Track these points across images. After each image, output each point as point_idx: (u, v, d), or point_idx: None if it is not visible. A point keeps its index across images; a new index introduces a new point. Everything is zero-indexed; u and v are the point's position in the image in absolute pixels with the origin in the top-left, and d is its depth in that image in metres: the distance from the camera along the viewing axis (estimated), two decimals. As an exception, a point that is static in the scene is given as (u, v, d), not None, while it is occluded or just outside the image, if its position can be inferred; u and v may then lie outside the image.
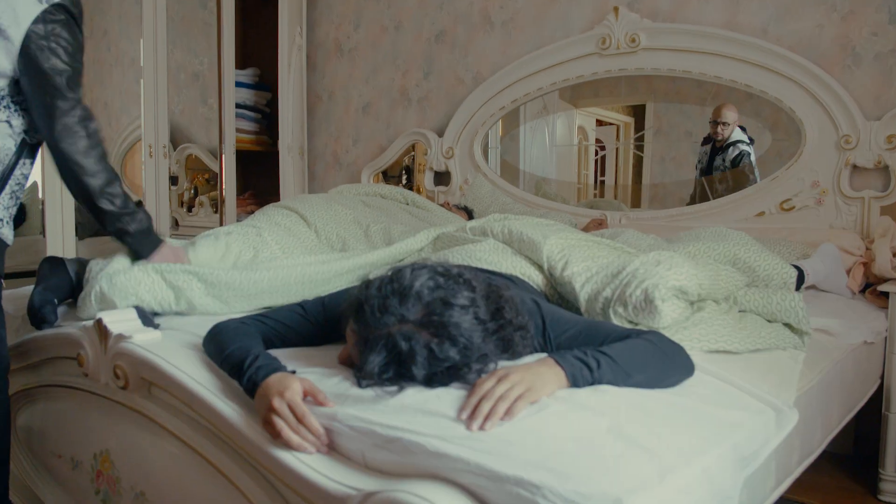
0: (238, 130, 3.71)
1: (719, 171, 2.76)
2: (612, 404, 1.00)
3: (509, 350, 1.07)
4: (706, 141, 2.79)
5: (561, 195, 3.18)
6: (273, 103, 3.84)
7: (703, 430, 1.02)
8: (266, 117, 4.02)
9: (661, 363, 1.11)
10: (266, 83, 3.96)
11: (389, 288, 1.02)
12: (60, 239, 2.80)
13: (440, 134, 3.34)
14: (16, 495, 1.70)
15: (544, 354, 1.11)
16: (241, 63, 3.82)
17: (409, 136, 3.41)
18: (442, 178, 3.38)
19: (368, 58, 3.70)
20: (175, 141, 3.58)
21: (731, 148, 2.73)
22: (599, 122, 3.13)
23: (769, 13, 2.55)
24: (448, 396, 0.99)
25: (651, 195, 2.93)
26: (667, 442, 0.94)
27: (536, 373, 1.00)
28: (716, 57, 2.57)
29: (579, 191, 3.17)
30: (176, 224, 3.69)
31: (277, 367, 1.04)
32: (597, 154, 3.15)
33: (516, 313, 1.09)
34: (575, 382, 1.02)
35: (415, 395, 1.00)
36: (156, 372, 1.19)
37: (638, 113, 2.99)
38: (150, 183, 3.27)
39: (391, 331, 0.99)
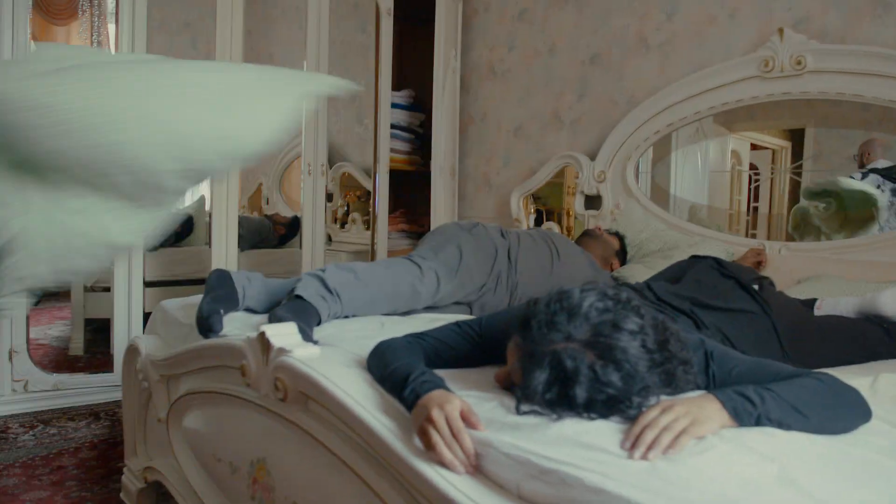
0: (392, 150, 3.99)
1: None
2: (782, 449, 0.99)
3: (671, 384, 1.08)
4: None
5: (714, 221, 3.25)
6: (426, 124, 4.16)
7: (884, 485, 0.98)
8: (419, 138, 4.29)
9: (834, 404, 1.10)
10: (420, 104, 4.27)
11: (557, 306, 1.06)
12: (224, 250, 3.18)
13: (592, 157, 3.51)
14: (180, 494, 1.87)
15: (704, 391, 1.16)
16: (396, 85, 4.11)
17: (561, 158, 3.59)
18: (593, 201, 3.55)
19: (521, 80, 3.92)
20: (331, 159, 3.89)
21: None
22: (754, 146, 3.19)
23: (949, 32, 2.74)
24: (609, 430, 1.01)
25: (806, 224, 2.94)
26: (843, 496, 0.91)
27: (700, 406, 1.02)
28: (890, 79, 2.59)
29: (731, 217, 3.27)
30: (329, 239, 3.94)
31: (441, 384, 1.12)
32: (751, 180, 3.20)
33: (681, 347, 1.11)
34: (738, 417, 1.03)
35: (574, 426, 1.02)
36: (313, 386, 1.25)
37: (796, 137, 3.03)
38: (308, 199, 3.56)
39: (557, 348, 1.02)
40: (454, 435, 1.00)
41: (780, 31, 2.85)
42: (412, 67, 4.29)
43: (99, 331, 3.33)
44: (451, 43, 3.90)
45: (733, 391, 1.06)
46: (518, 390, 1.06)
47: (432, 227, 3.81)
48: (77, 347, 3.34)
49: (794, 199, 3.01)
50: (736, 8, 3.08)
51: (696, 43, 3.24)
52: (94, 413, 2.99)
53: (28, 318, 2.93)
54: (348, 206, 4.08)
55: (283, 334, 1.40)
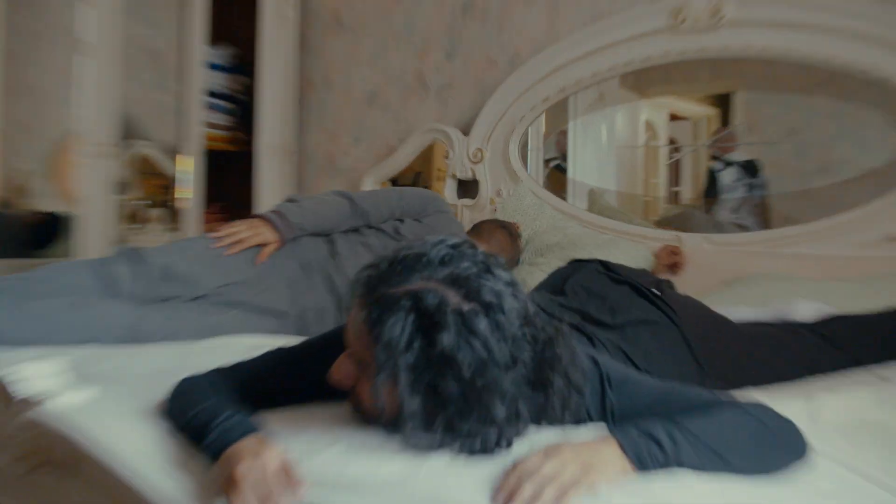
0: (207, 125, 3.70)
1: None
2: (699, 500, 0.95)
3: (546, 411, 1.05)
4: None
5: (624, 210, 3.09)
6: (252, 91, 3.81)
7: None
8: (244, 108, 4.00)
9: (763, 441, 1.06)
10: (245, 66, 3.96)
11: (409, 252, 1.04)
12: None
13: (466, 132, 3.29)
14: None
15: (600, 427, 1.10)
16: (213, 39, 3.78)
17: (426, 133, 3.39)
18: (468, 188, 3.33)
19: (376, 34, 3.69)
20: (123, 136, 3.49)
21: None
22: (674, 116, 3.06)
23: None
24: (472, 477, 0.95)
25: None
26: None
27: (594, 450, 0.98)
28: (828, 33, 2.45)
29: (647, 205, 3.12)
30: (122, 243, 3.51)
31: (254, 429, 1.02)
32: (670, 157, 3.08)
33: (570, 358, 1.07)
34: (641, 463, 0.98)
35: (434, 481, 0.95)
36: (74, 451, 1.11)
37: (725, 103, 2.90)
38: (91, 191, 3.21)
39: (413, 288, 0.99)
40: (264, 500, 0.90)
41: (693, -23, 2.75)
42: (234, 18, 3.95)
43: None
44: (283, -14, 3.78)
45: (637, 430, 1.01)
46: (370, 364, 0.98)
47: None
48: None
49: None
50: (640, -51, 2.96)
51: (593, -10, 3.17)
52: None
53: None
54: (147, 199, 3.72)
55: (35, 377, 1.25)
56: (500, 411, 0.97)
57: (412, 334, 0.96)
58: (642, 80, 3.03)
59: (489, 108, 3.22)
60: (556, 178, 3.27)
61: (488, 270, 1.01)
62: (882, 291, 2.15)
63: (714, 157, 2.91)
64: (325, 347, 1.19)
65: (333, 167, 3.91)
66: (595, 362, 1.15)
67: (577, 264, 2.03)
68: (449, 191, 3.34)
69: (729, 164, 2.89)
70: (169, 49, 3.61)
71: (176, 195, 3.62)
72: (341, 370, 1.07)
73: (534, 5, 3.22)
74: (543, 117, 3.23)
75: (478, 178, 3.27)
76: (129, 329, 1.87)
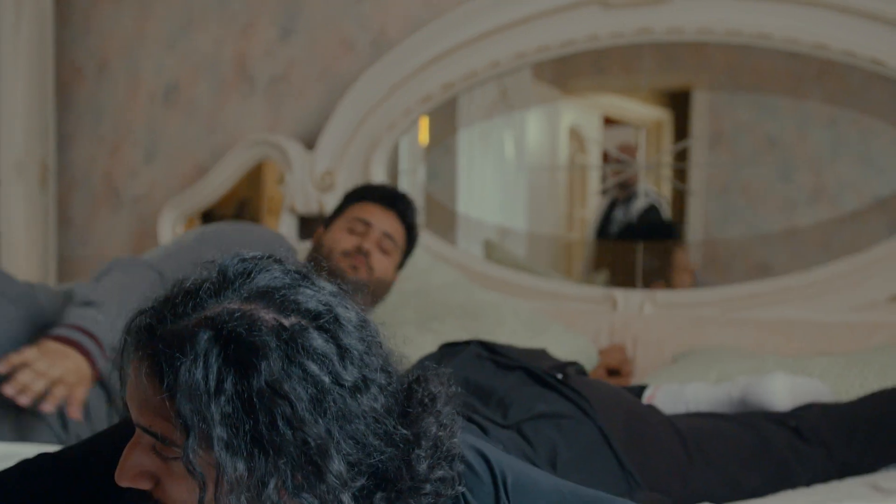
0: None
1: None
2: None
3: (408, 449, 0.98)
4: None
5: (536, 260, 3.01)
6: None
7: None
8: None
9: None
10: None
11: (191, 280, 0.98)
12: None
13: (309, 145, 3.01)
14: None
15: None
16: None
17: (252, 147, 3.10)
18: (313, 226, 2.89)
19: (176, 3, 3.42)
20: None
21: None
22: (609, 121, 2.94)
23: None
24: None
25: (705, 261, 2.82)
26: None
27: None
28: (817, 9, 2.36)
29: (569, 250, 3.03)
30: None
31: None
32: (604, 180, 2.96)
33: (443, 415, 1.04)
34: None
35: None
36: None
37: (681, 105, 2.79)
38: None
39: (211, 313, 0.92)
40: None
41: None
42: None
43: None
44: (30, -74, 3.30)
45: None
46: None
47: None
48: None
49: (678, 211, 2.77)
50: None
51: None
52: None
53: None
54: None
55: None
56: (358, 452, 0.94)
57: (220, 371, 0.88)
58: (565, 71, 2.93)
59: (344, 110, 2.93)
60: (440, 212, 3.08)
61: (306, 278, 0.99)
62: (887, 367, 2.15)
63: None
64: (111, 443, 1.13)
65: (115, 195, 3.54)
66: (484, 457, 1.12)
67: (449, 349, 1.99)
68: (286, 229, 3.00)
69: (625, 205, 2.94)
70: None
71: None
72: (132, 464, 0.96)
73: (406, -36, 3.00)
74: (422, 125, 3.03)
75: (327, 213, 2.81)
76: None
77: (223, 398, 0.88)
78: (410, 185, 3.04)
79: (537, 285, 2.75)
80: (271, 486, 0.91)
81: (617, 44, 2.64)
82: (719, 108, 2.81)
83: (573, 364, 2.01)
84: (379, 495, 0.98)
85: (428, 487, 0.99)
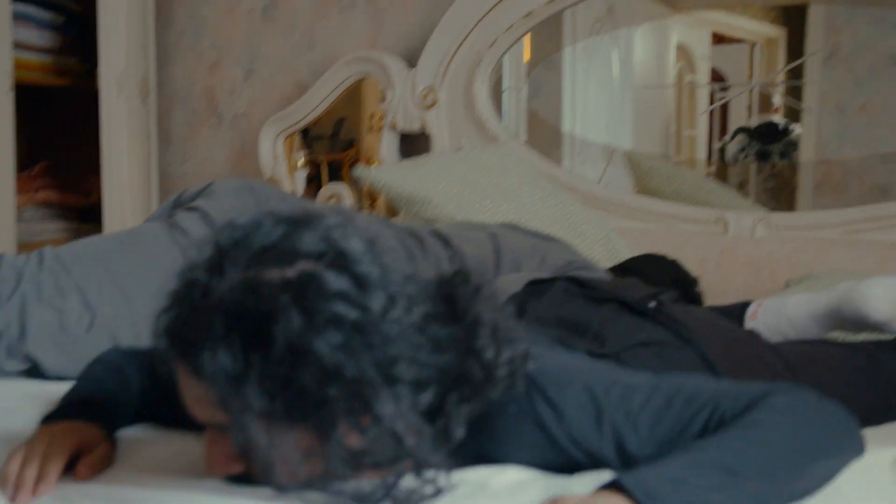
0: (18, 47, 3.41)
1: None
2: None
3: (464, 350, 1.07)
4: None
5: (647, 180, 3.00)
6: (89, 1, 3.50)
7: None
8: (74, 23, 3.75)
9: (808, 450, 1.13)
10: None
11: (187, 277, 1.07)
12: None
13: (412, 62, 3.06)
14: None
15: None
16: None
17: (352, 64, 3.15)
18: (415, 143, 3.13)
19: None
20: None
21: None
22: (719, 38, 2.95)
23: None
24: None
25: (818, 181, 2.82)
26: None
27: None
28: None
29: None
30: None
31: (92, 416, 1.22)
32: (712, 100, 2.94)
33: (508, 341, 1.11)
34: None
35: None
36: None
37: (794, 20, 2.80)
38: None
39: (215, 299, 1.02)
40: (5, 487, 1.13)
41: None
42: None
43: None
44: None
45: (650, 471, 1.03)
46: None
47: (106, 191, 3.57)
48: None
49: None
50: None
51: None
52: None
53: None
54: None
55: None
56: (412, 369, 1.01)
57: (242, 351, 0.97)
58: None
59: (445, 26, 2.98)
60: (545, 130, 3.14)
61: (301, 221, 1.04)
62: None
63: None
64: None
65: (215, 112, 3.63)
66: (582, 384, 1.19)
67: (535, 286, 1.97)
68: (387, 149, 3.13)
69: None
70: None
71: None
72: (215, 457, 1.09)
73: None
74: (525, 42, 3.06)
75: (429, 130, 3.07)
76: None
77: (254, 375, 0.98)
78: (514, 102, 3.16)
79: (646, 205, 2.83)
80: (333, 441, 1.01)
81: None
82: (837, 23, 2.81)
83: (669, 292, 2.04)
84: (453, 397, 1.09)
85: (500, 372, 1.09)
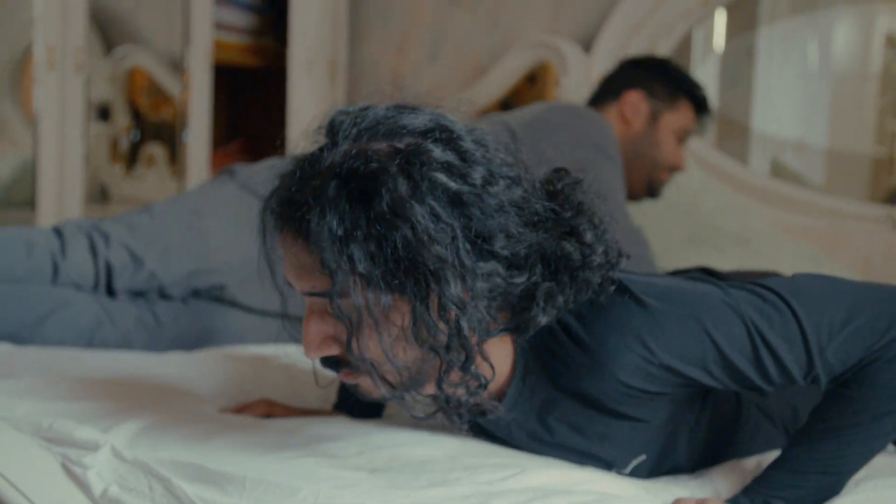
0: (219, 27, 3.64)
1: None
2: None
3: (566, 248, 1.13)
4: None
5: (838, 182, 2.95)
6: None
7: None
8: (272, 6, 3.96)
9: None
10: None
11: (305, 153, 1.16)
12: None
13: (586, 47, 3.05)
14: None
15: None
16: None
17: (528, 49, 3.24)
18: None
19: None
20: (108, 40, 3.63)
21: None
22: None
23: None
24: None
25: None
26: None
27: None
28: None
29: (875, 167, 2.91)
30: (103, 195, 3.72)
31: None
32: None
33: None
34: None
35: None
36: None
37: None
38: (49, 113, 3.31)
39: (326, 166, 1.10)
40: None
41: None
42: None
43: None
44: None
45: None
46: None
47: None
48: None
49: None
50: None
51: None
52: None
53: None
54: (141, 130, 3.77)
55: None
56: (510, 244, 1.08)
57: (350, 211, 1.05)
58: None
59: (623, 10, 2.98)
60: (731, 128, 3.06)
61: (406, 107, 1.12)
62: None
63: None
64: None
65: (400, 93, 3.58)
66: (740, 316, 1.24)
67: (672, 277, 1.78)
68: None
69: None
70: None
71: (182, 128, 3.69)
72: (314, 334, 1.15)
73: None
74: (715, 23, 3.01)
75: None
76: (88, 328, 2.11)
77: (359, 235, 1.04)
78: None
79: (808, 200, 2.88)
80: (422, 309, 1.08)
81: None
82: None
83: None
84: (546, 285, 1.15)
85: (597, 259, 1.14)
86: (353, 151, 1.08)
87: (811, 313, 1.22)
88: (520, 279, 1.12)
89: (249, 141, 4.12)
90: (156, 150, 3.88)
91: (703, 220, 3.01)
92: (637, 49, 3.14)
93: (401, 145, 1.07)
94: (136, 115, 3.97)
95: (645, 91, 2.75)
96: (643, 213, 3.01)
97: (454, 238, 1.07)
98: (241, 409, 1.57)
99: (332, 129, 1.14)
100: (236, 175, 2.52)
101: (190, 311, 2.31)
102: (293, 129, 3.72)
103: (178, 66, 3.74)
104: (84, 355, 2.02)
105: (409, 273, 1.06)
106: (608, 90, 2.82)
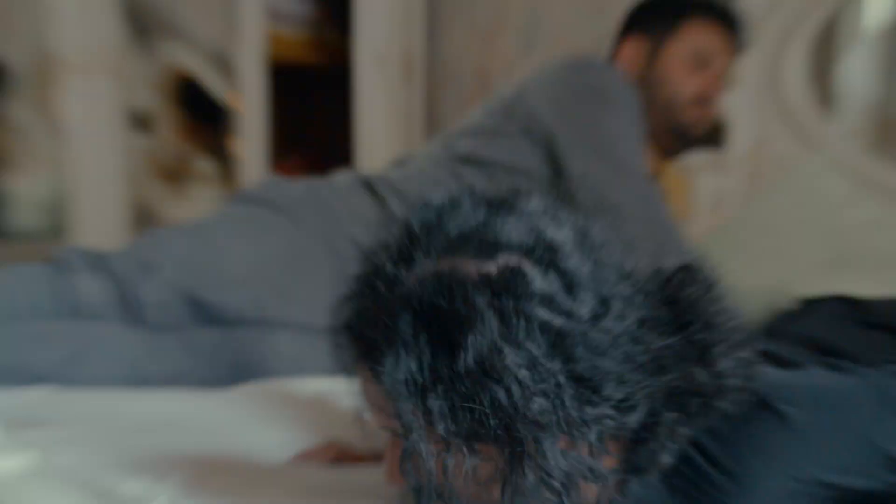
0: (274, 17, 3.58)
1: None
2: None
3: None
4: None
5: None
6: None
7: None
8: None
9: None
10: None
11: (381, 256, 1.12)
12: None
13: None
14: None
15: None
16: None
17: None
18: (709, 133, 2.88)
19: None
20: (150, 36, 3.55)
21: None
22: None
23: None
24: None
25: None
26: None
27: None
28: None
29: None
30: (147, 218, 3.56)
31: None
32: None
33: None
34: None
35: None
36: None
37: None
38: (79, 125, 3.26)
39: (403, 293, 1.06)
40: None
41: None
42: None
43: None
44: None
45: None
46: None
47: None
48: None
49: None
50: None
51: None
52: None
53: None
54: (186, 139, 3.72)
55: None
56: (622, 387, 1.05)
57: (430, 358, 1.03)
58: None
59: None
60: (890, 127, 3.02)
61: (503, 202, 1.09)
62: None
63: None
64: None
65: (488, 91, 3.48)
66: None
67: (809, 306, 2.11)
68: None
69: None
70: None
71: (235, 138, 3.63)
72: (393, 466, 1.14)
73: None
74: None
75: (722, 118, 3.01)
76: (128, 364, 2.12)
77: (441, 389, 1.02)
78: (856, 82, 3.13)
79: None
80: (517, 472, 1.04)
81: None
82: None
83: None
84: (669, 415, 1.09)
85: (734, 382, 1.10)
86: (434, 279, 1.06)
87: None
88: (636, 417, 1.06)
89: (314, 152, 4.21)
90: (204, 164, 3.92)
91: (848, 237, 2.93)
92: (772, 31, 3.25)
93: (493, 271, 1.05)
94: (182, 126, 4.01)
95: (640, 31, 2.76)
96: (772, 231, 3.04)
97: (558, 386, 1.03)
98: (306, 455, 1.55)
99: (410, 239, 1.10)
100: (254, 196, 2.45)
101: (235, 339, 2.33)
102: (362, 136, 3.80)
103: (226, 65, 3.76)
104: (125, 396, 2.04)
105: (498, 438, 1.04)
106: (613, 47, 2.88)
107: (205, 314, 2.34)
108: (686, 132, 2.79)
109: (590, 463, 1.07)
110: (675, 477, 1.19)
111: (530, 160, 2.57)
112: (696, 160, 3.35)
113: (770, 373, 1.24)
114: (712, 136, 3.33)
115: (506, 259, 1.05)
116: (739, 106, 3.27)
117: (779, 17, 3.18)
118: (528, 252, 1.06)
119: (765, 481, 1.19)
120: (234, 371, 2.23)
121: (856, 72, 3.26)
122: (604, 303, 1.06)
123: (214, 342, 2.31)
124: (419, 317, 1.04)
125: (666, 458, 1.10)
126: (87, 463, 1.50)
